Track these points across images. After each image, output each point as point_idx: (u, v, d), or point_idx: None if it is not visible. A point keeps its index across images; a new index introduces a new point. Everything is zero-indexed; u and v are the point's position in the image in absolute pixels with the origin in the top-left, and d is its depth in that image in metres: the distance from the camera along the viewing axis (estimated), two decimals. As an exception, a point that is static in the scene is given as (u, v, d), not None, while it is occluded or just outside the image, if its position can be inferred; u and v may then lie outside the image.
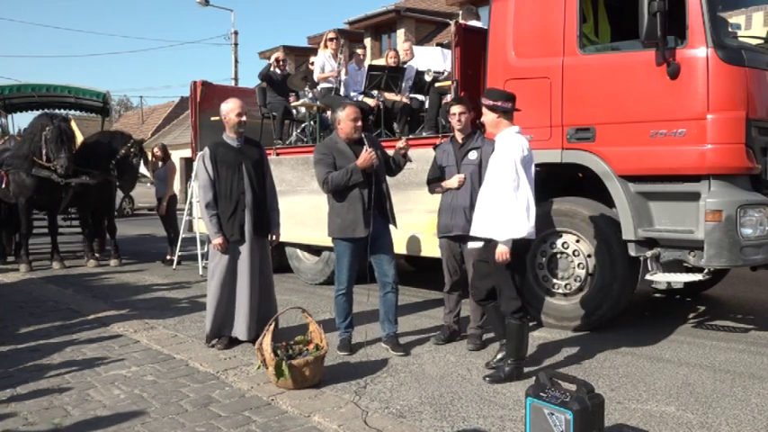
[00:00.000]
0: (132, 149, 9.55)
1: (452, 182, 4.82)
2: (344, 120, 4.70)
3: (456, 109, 4.88)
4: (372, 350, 4.87)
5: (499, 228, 3.95)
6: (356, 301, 5.03)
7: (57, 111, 11.17)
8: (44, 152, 8.88)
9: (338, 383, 4.10)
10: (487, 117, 4.14)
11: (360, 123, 4.76)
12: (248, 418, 3.59)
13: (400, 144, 4.79)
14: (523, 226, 3.88)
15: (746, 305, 6.46)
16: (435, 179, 5.02)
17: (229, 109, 4.97)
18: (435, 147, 5.26)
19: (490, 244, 4.08)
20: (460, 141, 4.94)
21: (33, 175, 9.00)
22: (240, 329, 4.97)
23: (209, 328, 5.00)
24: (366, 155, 4.59)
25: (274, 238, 5.18)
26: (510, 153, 3.95)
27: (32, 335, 5.53)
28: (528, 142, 4.09)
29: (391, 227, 4.87)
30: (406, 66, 7.62)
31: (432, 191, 5.11)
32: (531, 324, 5.30)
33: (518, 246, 3.99)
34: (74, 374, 4.41)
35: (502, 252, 3.94)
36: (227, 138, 5.03)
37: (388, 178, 4.93)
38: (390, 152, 4.90)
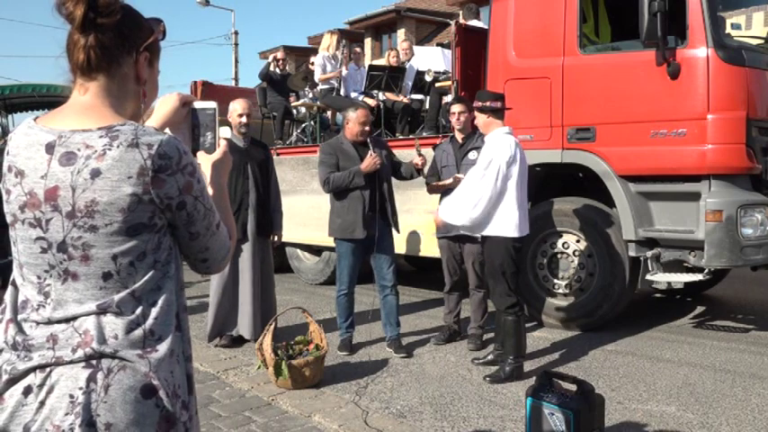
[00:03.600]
0: None
1: (448, 181, 4.82)
2: (353, 121, 4.68)
3: (456, 108, 4.89)
4: (373, 350, 4.87)
5: (447, 208, 4.26)
6: (358, 301, 5.02)
7: None
8: None
9: (338, 383, 4.10)
10: (479, 119, 4.23)
11: (368, 128, 4.74)
12: (248, 418, 3.59)
13: (417, 161, 4.76)
14: (464, 215, 4.07)
15: (746, 305, 6.46)
16: (434, 179, 5.02)
17: (233, 109, 5.00)
18: (435, 147, 5.26)
19: (486, 243, 4.16)
20: (460, 141, 4.94)
21: None
22: (243, 328, 4.97)
23: (211, 327, 5.00)
24: (370, 159, 4.57)
25: (276, 238, 5.19)
26: (491, 152, 4.03)
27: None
28: (518, 142, 4.14)
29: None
30: (407, 65, 7.61)
31: (430, 191, 5.10)
32: (531, 324, 5.34)
33: (501, 244, 4.05)
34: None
35: (435, 219, 4.48)
36: (233, 137, 5.03)
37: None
38: (399, 151, 4.86)
